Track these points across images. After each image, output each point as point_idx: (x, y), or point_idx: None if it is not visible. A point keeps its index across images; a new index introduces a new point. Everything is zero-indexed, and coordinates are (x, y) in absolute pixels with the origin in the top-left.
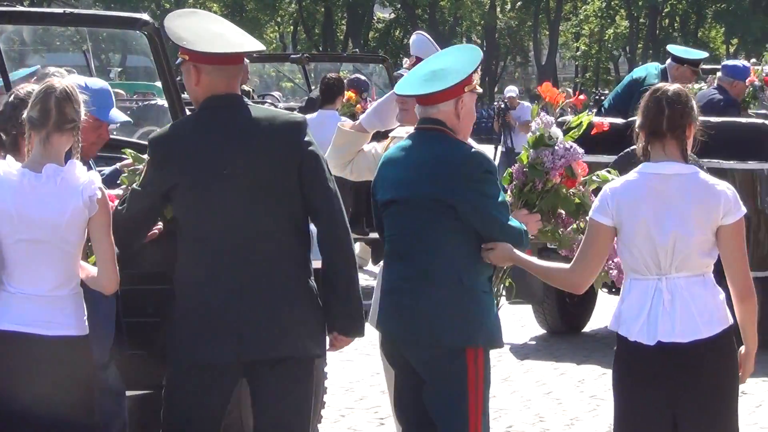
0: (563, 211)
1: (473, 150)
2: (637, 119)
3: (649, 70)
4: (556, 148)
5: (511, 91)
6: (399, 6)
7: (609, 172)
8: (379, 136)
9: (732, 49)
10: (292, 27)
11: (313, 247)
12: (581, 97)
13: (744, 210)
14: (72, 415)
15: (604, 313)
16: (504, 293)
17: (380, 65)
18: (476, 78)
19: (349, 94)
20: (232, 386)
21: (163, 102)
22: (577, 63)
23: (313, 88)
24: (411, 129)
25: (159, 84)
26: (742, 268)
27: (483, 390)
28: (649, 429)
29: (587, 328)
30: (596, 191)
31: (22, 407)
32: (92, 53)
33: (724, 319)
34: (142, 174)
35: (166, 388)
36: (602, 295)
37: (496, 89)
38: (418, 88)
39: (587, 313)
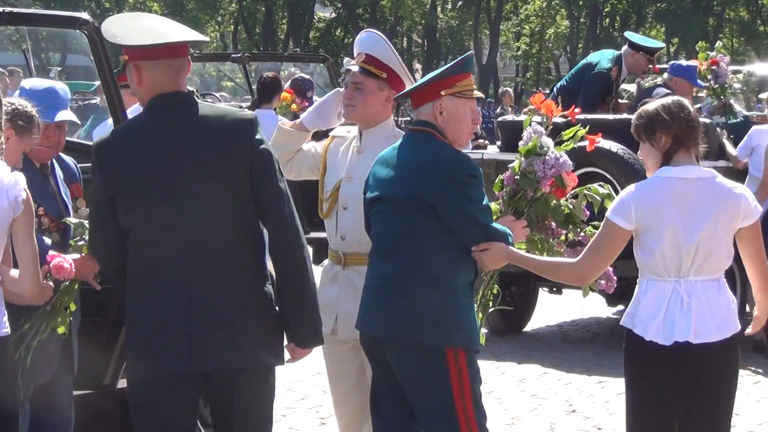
0: (553, 222)
1: (458, 153)
2: (662, 123)
3: (604, 55)
4: (547, 157)
5: None
6: (340, 5)
7: (601, 186)
8: (320, 135)
9: (672, 49)
10: (232, 26)
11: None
12: (576, 110)
13: (761, 210)
14: None
15: (544, 313)
16: (491, 301)
17: (321, 64)
18: (464, 83)
19: (284, 94)
20: (195, 397)
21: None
22: (517, 62)
23: (254, 87)
24: (353, 128)
25: (99, 83)
26: (763, 264)
27: (470, 388)
28: (658, 425)
29: (528, 328)
30: (588, 206)
31: None
32: (32, 52)
33: (734, 325)
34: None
35: (130, 403)
36: (543, 295)
37: None
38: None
39: (528, 312)
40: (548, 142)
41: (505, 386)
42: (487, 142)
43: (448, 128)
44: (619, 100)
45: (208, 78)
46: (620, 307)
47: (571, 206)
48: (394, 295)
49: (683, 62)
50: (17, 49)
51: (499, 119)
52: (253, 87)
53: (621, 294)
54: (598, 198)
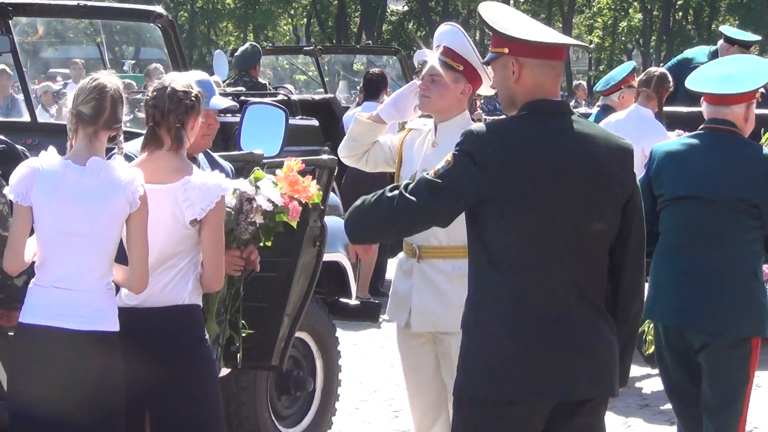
0: None
1: None
2: None
3: (701, 49)
4: None
5: None
6: None
7: None
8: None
9: None
10: (305, 19)
11: (330, 239)
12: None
13: None
14: (97, 410)
15: None
16: None
17: (394, 57)
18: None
19: None
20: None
21: None
22: (590, 56)
23: (326, 80)
24: (429, 121)
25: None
26: None
27: (754, 376)
28: None
29: None
30: None
31: (50, 402)
32: (106, 45)
33: None
34: (449, 166)
35: (467, 420)
36: None
37: None
38: (716, 88)
39: None
40: None
41: None
42: None
43: (747, 128)
44: None
45: (281, 71)
46: None
47: None
48: (710, 289)
49: None
50: (92, 42)
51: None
52: (326, 80)
53: None
54: None
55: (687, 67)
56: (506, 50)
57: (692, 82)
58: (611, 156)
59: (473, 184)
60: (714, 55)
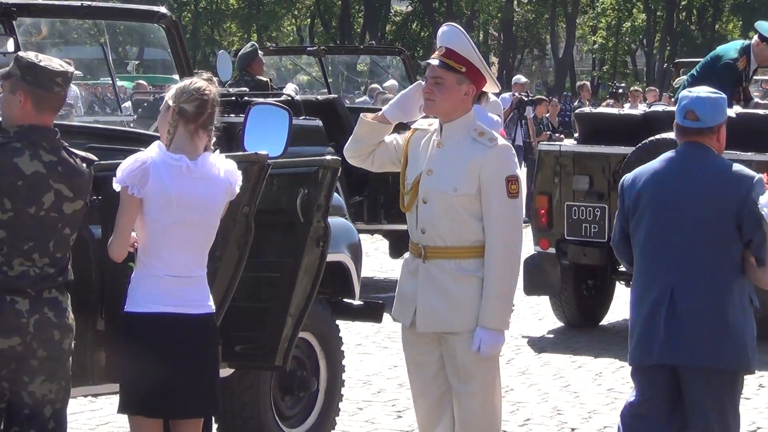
0: None
1: None
2: None
3: (733, 45)
4: None
5: (518, 79)
6: None
7: None
8: (400, 127)
9: None
10: (309, 20)
11: (334, 240)
12: None
13: None
14: (201, 383)
15: (621, 306)
16: None
17: (397, 58)
18: None
19: None
20: None
21: None
22: (594, 56)
23: (330, 80)
24: (434, 121)
25: (177, 77)
26: None
27: None
28: None
29: (605, 321)
30: None
31: (163, 380)
32: (109, 46)
33: None
34: None
35: None
36: (620, 288)
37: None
38: None
39: (605, 305)
40: None
41: (582, 380)
42: (563, 135)
43: None
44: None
45: (284, 71)
46: None
47: None
48: None
49: None
50: (95, 42)
51: (576, 111)
52: (329, 80)
53: None
54: None
55: (718, 63)
56: None
57: None
58: None
59: None
60: (745, 51)
